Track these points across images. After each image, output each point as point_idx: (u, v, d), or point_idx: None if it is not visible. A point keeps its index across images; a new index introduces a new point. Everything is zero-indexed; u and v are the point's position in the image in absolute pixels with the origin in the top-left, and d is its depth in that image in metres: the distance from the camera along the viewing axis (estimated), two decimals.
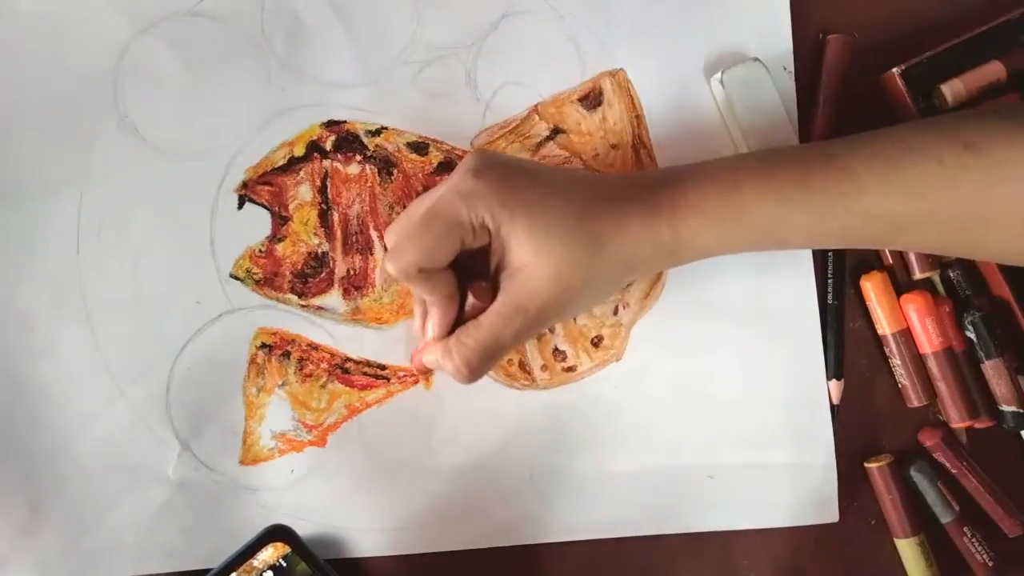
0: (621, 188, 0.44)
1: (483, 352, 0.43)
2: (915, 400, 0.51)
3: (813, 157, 0.43)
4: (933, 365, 0.51)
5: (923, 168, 0.40)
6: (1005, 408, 0.51)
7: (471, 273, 0.45)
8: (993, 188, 0.40)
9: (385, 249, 0.51)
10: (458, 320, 0.45)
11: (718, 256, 0.45)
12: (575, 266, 0.42)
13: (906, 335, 0.51)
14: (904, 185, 0.41)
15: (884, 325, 0.52)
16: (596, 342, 0.51)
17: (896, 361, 0.52)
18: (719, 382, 0.52)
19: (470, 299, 0.44)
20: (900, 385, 0.52)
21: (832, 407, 0.52)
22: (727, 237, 0.43)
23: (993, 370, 0.51)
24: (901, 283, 0.52)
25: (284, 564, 0.48)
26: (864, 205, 0.41)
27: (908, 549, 0.51)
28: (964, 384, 0.51)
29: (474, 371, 0.44)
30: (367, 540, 0.50)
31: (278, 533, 0.48)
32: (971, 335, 0.51)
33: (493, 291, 0.44)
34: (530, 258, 0.42)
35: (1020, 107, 0.42)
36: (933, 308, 0.51)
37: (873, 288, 0.51)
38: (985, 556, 0.51)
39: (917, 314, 0.51)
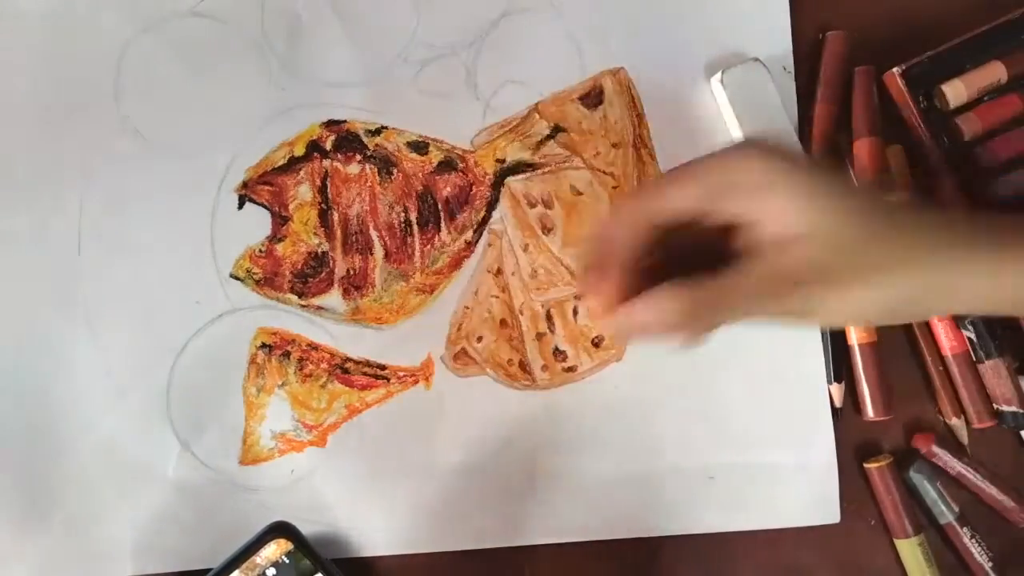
0: (915, 210, 0.39)
1: (717, 299, 0.36)
2: (871, 413, 0.51)
3: None
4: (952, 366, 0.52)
5: None
6: (1005, 408, 0.51)
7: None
8: None
9: (385, 250, 0.51)
10: None
11: (968, 312, 0.42)
12: (871, 242, 0.36)
13: (873, 348, 0.51)
14: None
15: (853, 336, 0.52)
16: (597, 342, 0.51)
17: (859, 372, 0.51)
18: (719, 382, 0.52)
19: None
20: (860, 396, 0.52)
21: (834, 410, 0.52)
22: (983, 292, 0.39)
23: (992, 370, 0.51)
24: None
25: (287, 560, 0.48)
26: None
27: (908, 549, 0.51)
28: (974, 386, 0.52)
29: (695, 315, 0.36)
30: (367, 540, 0.50)
31: (281, 530, 0.48)
32: (970, 335, 0.51)
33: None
34: (811, 222, 0.36)
35: None
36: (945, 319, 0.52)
37: None
38: (985, 556, 0.51)
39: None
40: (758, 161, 0.36)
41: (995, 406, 0.51)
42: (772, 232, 0.36)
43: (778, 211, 0.36)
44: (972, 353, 0.52)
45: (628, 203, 0.38)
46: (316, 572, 0.48)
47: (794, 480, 0.51)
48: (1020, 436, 0.52)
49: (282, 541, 0.48)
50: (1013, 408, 0.51)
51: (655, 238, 0.38)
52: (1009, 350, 0.51)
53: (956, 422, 0.52)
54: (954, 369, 0.51)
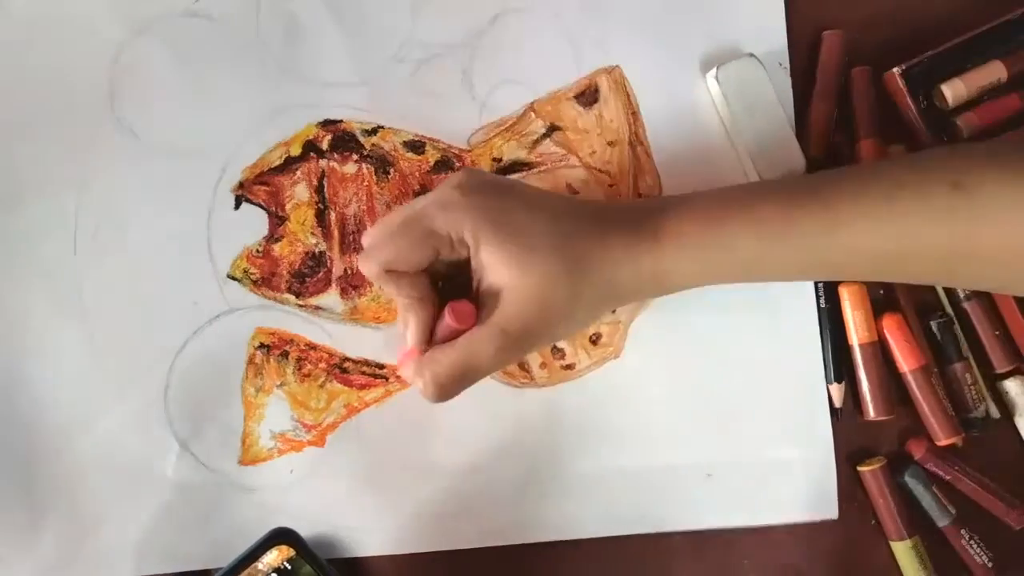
0: (609, 214, 0.44)
1: (455, 372, 0.42)
2: (872, 413, 0.51)
3: (798, 191, 0.42)
4: (911, 383, 0.51)
5: (909, 207, 0.40)
6: (973, 413, 0.51)
7: (453, 293, 0.44)
8: (980, 229, 0.39)
9: None
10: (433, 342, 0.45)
11: (703, 285, 0.45)
12: (558, 287, 0.41)
13: (874, 347, 0.51)
14: (890, 224, 0.40)
15: (853, 336, 0.52)
16: (595, 340, 0.52)
17: (861, 373, 0.52)
18: (717, 379, 0.52)
19: (446, 319, 0.43)
20: (861, 396, 0.52)
21: (834, 410, 0.52)
22: (710, 268, 0.43)
23: (959, 374, 0.51)
24: (895, 286, 0.52)
25: (289, 567, 0.48)
26: (848, 241, 0.41)
27: (902, 552, 0.51)
28: (941, 402, 0.51)
29: (443, 391, 0.43)
30: (366, 539, 0.50)
31: (283, 536, 0.48)
32: (937, 338, 0.52)
33: (474, 313, 0.43)
34: (513, 279, 0.41)
35: (1008, 146, 0.41)
36: (908, 331, 0.51)
37: (849, 297, 0.51)
38: (984, 558, 0.51)
39: (892, 334, 0.51)
40: (468, 221, 0.41)
41: (966, 413, 0.52)
42: (487, 285, 0.42)
43: (491, 269, 0.42)
44: (942, 353, 0.52)
45: (363, 260, 0.43)
46: None
47: (792, 476, 0.51)
48: (1020, 436, 0.52)
49: (284, 547, 0.48)
50: (977, 414, 0.51)
51: (420, 264, 0.43)
52: (975, 354, 0.52)
53: (939, 439, 0.52)
54: (913, 387, 0.51)
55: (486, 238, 0.41)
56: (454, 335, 0.43)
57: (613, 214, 0.44)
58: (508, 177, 0.51)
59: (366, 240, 0.45)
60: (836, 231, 0.41)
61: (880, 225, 0.40)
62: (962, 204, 0.39)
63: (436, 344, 0.44)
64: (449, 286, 0.45)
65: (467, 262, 0.43)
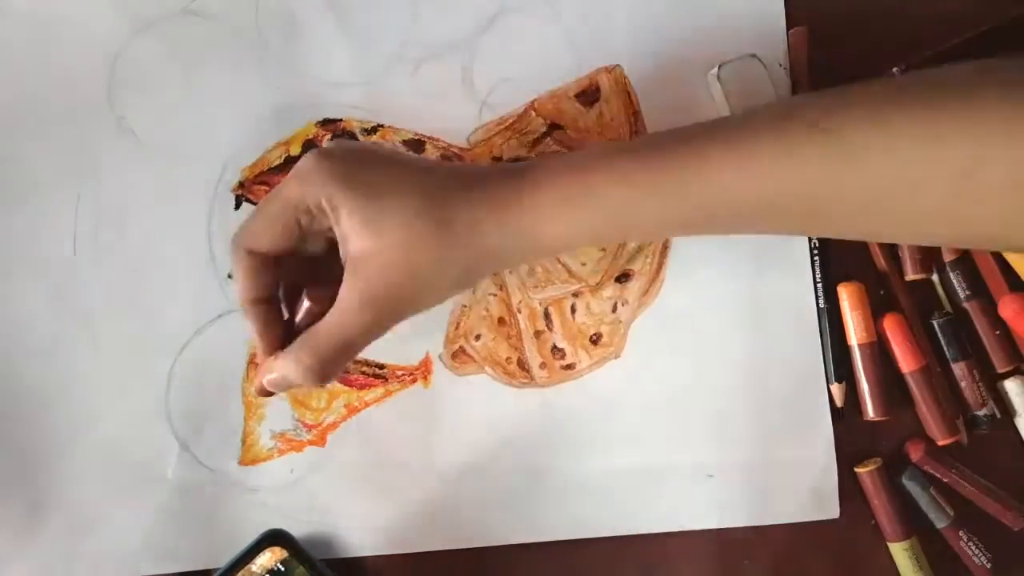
0: (477, 175, 0.42)
1: (333, 343, 0.40)
2: (871, 413, 0.51)
3: (668, 141, 0.41)
4: (911, 383, 0.51)
5: (772, 149, 0.38)
6: (974, 412, 0.51)
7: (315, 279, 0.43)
8: (843, 171, 0.38)
9: None
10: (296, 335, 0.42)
11: (579, 246, 0.44)
12: (422, 249, 0.40)
13: (873, 348, 0.51)
14: (753, 166, 0.39)
15: (852, 336, 0.51)
16: (595, 340, 0.52)
17: (860, 373, 0.51)
18: (718, 379, 0.52)
19: (305, 304, 0.42)
20: (860, 396, 0.52)
21: (835, 410, 0.52)
22: (578, 223, 0.41)
23: (959, 373, 0.51)
24: (894, 285, 0.52)
25: (282, 568, 0.48)
26: (716, 188, 0.39)
27: (899, 553, 0.51)
28: (940, 403, 0.51)
29: (326, 368, 0.40)
30: (367, 539, 0.50)
31: (276, 538, 0.48)
32: (939, 335, 0.52)
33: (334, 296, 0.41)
34: (374, 243, 0.39)
35: (874, 85, 0.39)
36: (908, 331, 0.51)
37: (848, 296, 0.51)
38: (984, 559, 0.51)
39: (892, 334, 0.51)
40: (318, 185, 0.39)
41: (971, 412, 0.52)
42: (348, 252, 0.40)
43: (349, 233, 0.40)
44: (946, 351, 0.52)
45: (231, 244, 0.42)
46: None
47: (793, 476, 0.51)
48: (1020, 436, 0.52)
49: (277, 549, 0.48)
50: (981, 412, 0.51)
51: (283, 241, 0.41)
52: (978, 354, 0.52)
53: (939, 439, 0.52)
54: (913, 387, 0.51)
55: (341, 202, 0.39)
56: (315, 319, 0.41)
57: (481, 175, 0.42)
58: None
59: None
60: (705, 178, 0.39)
61: (743, 170, 0.39)
62: (824, 146, 0.38)
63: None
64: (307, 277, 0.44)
65: (331, 239, 0.42)
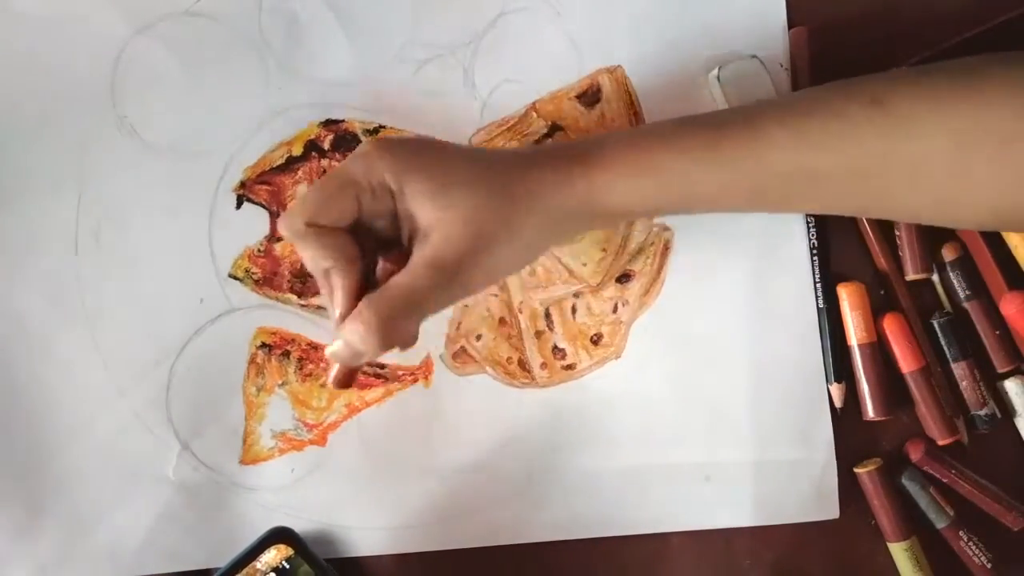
0: (538, 152, 0.44)
1: (397, 303, 0.40)
2: (871, 413, 0.51)
3: (728, 118, 0.43)
4: (911, 384, 0.51)
5: (829, 122, 0.41)
6: (974, 412, 0.51)
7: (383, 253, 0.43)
8: (897, 143, 0.40)
9: None
10: None
11: (640, 216, 0.46)
12: (487, 213, 0.40)
13: (872, 348, 0.51)
14: (811, 139, 0.41)
15: (852, 336, 0.52)
16: (596, 340, 0.52)
17: (860, 373, 0.52)
18: (718, 379, 0.52)
19: (380, 265, 0.42)
20: (860, 396, 0.52)
21: (834, 410, 0.52)
22: (640, 192, 0.43)
23: (959, 373, 0.51)
24: (894, 285, 0.52)
25: (287, 566, 0.48)
26: (772, 160, 0.41)
27: (898, 553, 0.51)
28: (940, 403, 0.51)
29: (388, 326, 0.39)
30: (367, 539, 0.50)
31: (281, 535, 0.48)
32: (939, 335, 0.52)
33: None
34: (439, 212, 0.40)
35: (930, 68, 0.42)
36: (908, 331, 0.51)
37: (848, 296, 0.51)
38: (984, 559, 0.51)
39: (892, 335, 0.51)
40: (384, 161, 0.40)
41: (971, 411, 0.52)
42: (417, 227, 0.41)
43: (416, 207, 0.40)
44: (946, 351, 0.52)
45: (287, 219, 0.41)
46: None
47: (793, 476, 0.52)
48: (1020, 436, 0.53)
49: (282, 546, 0.48)
50: (982, 412, 0.51)
51: (345, 218, 0.41)
52: (978, 353, 0.52)
53: (956, 423, 0.52)
54: (913, 387, 0.51)
55: (407, 178, 0.40)
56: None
57: (541, 151, 0.44)
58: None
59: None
60: (761, 152, 0.41)
61: (802, 142, 0.41)
62: (879, 118, 0.40)
63: None
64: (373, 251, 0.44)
65: (394, 218, 0.42)
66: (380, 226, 0.42)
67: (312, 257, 0.41)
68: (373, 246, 0.43)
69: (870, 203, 0.44)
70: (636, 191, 0.42)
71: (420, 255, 0.40)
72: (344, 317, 0.41)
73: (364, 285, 0.42)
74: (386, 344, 0.40)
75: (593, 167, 0.42)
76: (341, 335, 0.40)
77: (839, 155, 0.41)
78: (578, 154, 0.43)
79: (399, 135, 0.44)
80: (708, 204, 0.44)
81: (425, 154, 0.42)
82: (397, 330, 0.40)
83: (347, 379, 0.43)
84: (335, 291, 0.41)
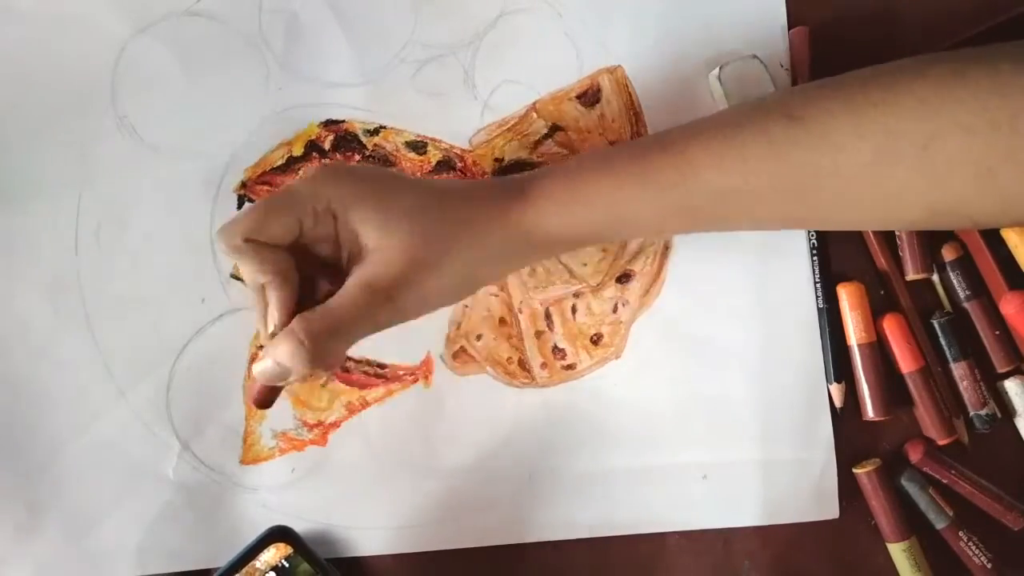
0: (479, 185, 0.45)
1: (328, 324, 0.40)
2: (871, 413, 0.51)
3: (651, 144, 0.44)
4: (911, 384, 0.51)
5: (754, 142, 0.41)
6: (974, 412, 0.51)
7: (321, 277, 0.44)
8: (819, 157, 0.40)
9: None
10: None
11: (580, 245, 0.48)
12: (426, 242, 0.41)
13: (872, 348, 0.51)
14: (737, 161, 0.41)
15: (852, 336, 0.52)
16: (596, 340, 0.52)
17: (860, 373, 0.52)
18: (718, 379, 0.52)
19: (322, 288, 0.43)
20: (860, 396, 0.52)
21: (834, 410, 0.52)
22: (575, 223, 0.44)
23: (959, 373, 0.51)
24: (894, 285, 0.52)
25: (287, 565, 0.48)
26: (702, 185, 0.42)
27: (897, 553, 0.51)
28: (940, 404, 0.51)
29: (318, 347, 0.39)
30: (368, 539, 0.50)
31: (280, 534, 0.48)
32: (940, 335, 0.52)
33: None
34: (379, 239, 0.41)
35: (845, 78, 0.42)
36: (908, 331, 0.51)
37: (848, 296, 0.51)
38: (984, 559, 0.51)
39: (892, 335, 0.51)
40: (330, 187, 0.41)
41: (972, 411, 0.52)
42: (356, 251, 0.42)
43: (358, 232, 0.41)
44: (946, 351, 0.52)
45: (223, 232, 0.41)
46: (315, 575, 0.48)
47: (793, 476, 0.52)
48: (1020, 436, 0.53)
49: (281, 545, 0.48)
50: (982, 412, 0.51)
51: (284, 236, 0.41)
52: (976, 354, 0.52)
53: (955, 423, 0.52)
54: (912, 388, 0.51)
55: (353, 205, 0.41)
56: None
57: (481, 184, 0.46)
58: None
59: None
60: (690, 177, 0.42)
61: (728, 165, 0.41)
62: (799, 135, 0.40)
63: None
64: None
65: (335, 242, 0.43)
66: (321, 249, 0.43)
67: (248, 271, 0.41)
68: (313, 267, 0.43)
69: (807, 216, 0.44)
70: (568, 219, 0.43)
71: (356, 277, 0.41)
72: (274, 335, 0.41)
73: (298, 304, 0.42)
74: (315, 363, 0.40)
75: (527, 198, 0.43)
76: (270, 352, 0.40)
77: (764, 174, 0.41)
78: (515, 186, 0.44)
79: (344, 163, 0.45)
80: (645, 228, 0.46)
81: (372, 183, 0.42)
82: (327, 349, 0.40)
83: (268, 398, 0.43)
84: (269, 307, 0.42)
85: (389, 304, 0.41)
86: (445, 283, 0.43)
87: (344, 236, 0.42)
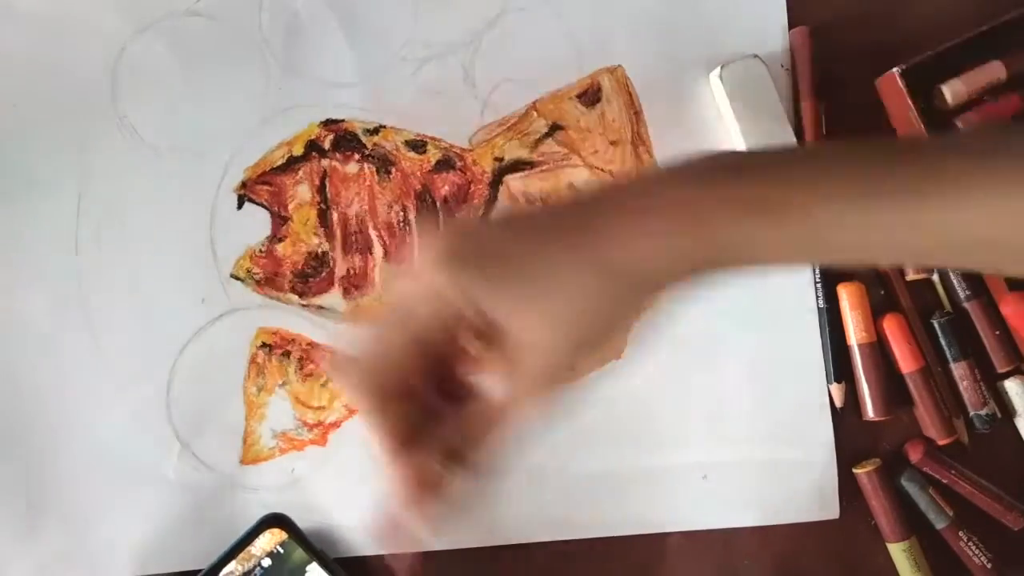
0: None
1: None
2: (871, 413, 0.51)
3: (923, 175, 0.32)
4: (911, 384, 0.51)
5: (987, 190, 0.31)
6: (974, 412, 0.51)
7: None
8: None
9: (384, 249, 0.51)
10: None
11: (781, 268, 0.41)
12: (596, 307, 0.35)
13: (872, 348, 0.51)
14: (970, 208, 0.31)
15: (852, 336, 0.52)
16: None
17: (860, 373, 0.52)
18: (718, 379, 0.52)
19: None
20: (860, 396, 0.52)
21: (835, 410, 0.52)
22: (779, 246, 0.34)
23: (959, 373, 0.51)
24: (894, 285, 0.52)
25: (281, 551, 0.48)
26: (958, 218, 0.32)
27: (897, 553, 0.51)
28: (940, 404, 0.51)
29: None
30: (367, 538, 0.50)
31: (275, 521, 0.48)
32: (940, 335, 0.52)
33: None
34: (533, 324, 0.34)
35: None
36: (908, 331, 0.51)
37: (848, 296, 0.51)
38: (983, 559, 0.51)
39: (892, 335, 0.51)
40: (464, 290, 0.33)
41: (972, 411, 0.52)
42: (510, 347, 0.34)
43: (503, 324, 0.33)
44: (946, 351, 0.51)
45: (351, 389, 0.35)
46: (310, 562, 0.48)
47: (793, 476, 0.51)
48: (1020, 436, 0.53)
49: (276, 531, 0.48)
50: (982, 412, 0.51)
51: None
52: (976, 354, 0.52)
53: (955, 423, 0.52)
54: (912, 388, 0.51)
55: (490, 301, 0.33)
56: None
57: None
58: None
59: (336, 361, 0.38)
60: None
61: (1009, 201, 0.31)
62: None
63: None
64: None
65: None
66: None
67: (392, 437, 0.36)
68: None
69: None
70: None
71: (522, 372, 0.35)
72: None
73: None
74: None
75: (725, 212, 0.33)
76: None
77: (1004, 225, 0.32)
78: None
79: (452, 239, 0.35)
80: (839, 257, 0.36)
81: (499, 263, 0.34)
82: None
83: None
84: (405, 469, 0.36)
85: (551, 388, 0.37)
86: (610, 325, 0.37)
87: (489, 331, 0.34)
